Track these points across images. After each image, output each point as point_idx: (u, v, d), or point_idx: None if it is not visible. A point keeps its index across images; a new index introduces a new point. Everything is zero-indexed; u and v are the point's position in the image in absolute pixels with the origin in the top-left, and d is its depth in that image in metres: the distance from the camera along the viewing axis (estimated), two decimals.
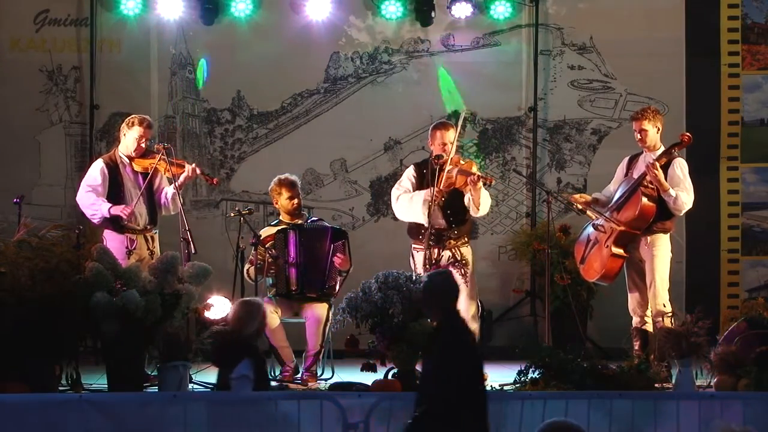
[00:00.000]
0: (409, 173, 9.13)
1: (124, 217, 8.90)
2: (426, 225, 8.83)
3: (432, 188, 8.81)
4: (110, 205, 8.90)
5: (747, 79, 11.44)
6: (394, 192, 9.13)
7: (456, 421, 6.11)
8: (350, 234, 9.40)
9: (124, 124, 9.13)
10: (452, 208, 8.94)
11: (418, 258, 8.91)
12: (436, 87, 11.41)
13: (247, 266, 9.01)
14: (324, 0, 11.21)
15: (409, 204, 8.95)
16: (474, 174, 8.81)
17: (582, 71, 11.50)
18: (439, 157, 8.89)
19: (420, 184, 9.01)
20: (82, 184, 9.09)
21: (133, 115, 9.17)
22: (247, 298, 7.93)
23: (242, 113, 11.41)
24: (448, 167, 8.81)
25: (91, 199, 8.97)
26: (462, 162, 9.01)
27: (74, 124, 11.27)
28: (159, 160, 8.96)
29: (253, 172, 11.25)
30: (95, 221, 9.04)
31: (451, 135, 9.01)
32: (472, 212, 8.97)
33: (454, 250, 8.94)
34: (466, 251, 9.01)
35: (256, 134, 11.41)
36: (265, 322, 7.84)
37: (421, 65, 11.48)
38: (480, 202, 8.89)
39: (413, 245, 9.06)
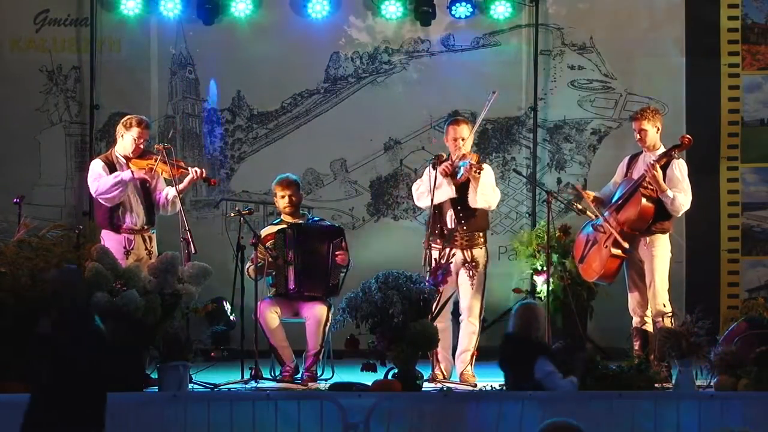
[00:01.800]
0: (428, 172, 9.12)
1: (149, 178, 8.95)
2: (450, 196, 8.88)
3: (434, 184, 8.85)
4: (128, 170, 8.90)
5: (747, 79, 11.42)
6: (415, 185, 9.17)
7: (67, 420, 5.94)
8: (350, 234, 9.40)
9: (120, 125, 9.10)
10: (461, 203, 8.93)
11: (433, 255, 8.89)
12: (436, 87, 11.41)
13: (248, 264, 8.99)
14: (324, 0, 11.21)
15: (429, 183, 8.93)
16: (469, 163, 8.85)
17: (582, 71, 11.47)
18: (438, 156, 8.94)
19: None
20: (89, 182, 9.01)
21: (130, 116, 9.16)
22: (528, 302, 7.95)
23: (242, 113, 11.40)
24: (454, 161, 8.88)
25: (108, 179, 8.89)
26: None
27: (74, 124, 11.26)
28: (158, 161, 8.94)
29: (253, 172, 11.23)
30: (119, 197, 8.89)
31: (463, 130, 9.06)
32: (470, 201, 8.93)
33: (465, 252, 8.92)
34: (478, 253, 8.97)
35: (256, 134, 11.39)
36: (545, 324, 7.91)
37: (421, 65, 11.47)
38: (479, 191, 8.87)
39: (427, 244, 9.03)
